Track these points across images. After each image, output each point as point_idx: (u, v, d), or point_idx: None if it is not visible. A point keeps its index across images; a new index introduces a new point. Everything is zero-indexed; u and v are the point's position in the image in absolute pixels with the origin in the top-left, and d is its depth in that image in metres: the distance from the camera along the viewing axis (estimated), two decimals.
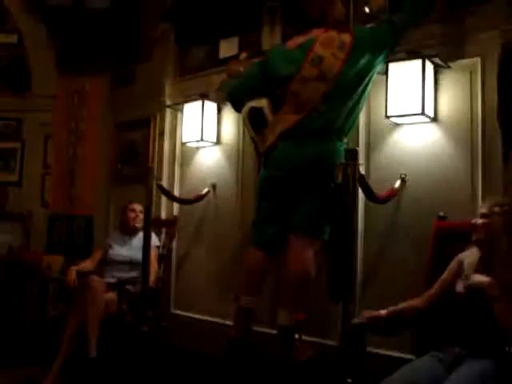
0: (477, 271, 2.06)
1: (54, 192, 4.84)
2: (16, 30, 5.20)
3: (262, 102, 2.90)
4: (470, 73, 2.79)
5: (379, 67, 2.83)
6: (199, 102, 3.89)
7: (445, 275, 2.22)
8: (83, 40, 4.86)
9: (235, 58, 3.72)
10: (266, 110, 2.88)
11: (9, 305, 4.35)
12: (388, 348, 2.82)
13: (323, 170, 2.73)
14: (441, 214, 2.62)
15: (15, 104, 5.20)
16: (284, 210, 2.83)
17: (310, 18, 2.96)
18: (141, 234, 3.73)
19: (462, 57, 2.81)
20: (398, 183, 2.94)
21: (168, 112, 4.37)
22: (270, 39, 3.70)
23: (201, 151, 4.13)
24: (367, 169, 3.10)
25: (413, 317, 2.23)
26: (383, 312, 2.18)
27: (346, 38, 2.77)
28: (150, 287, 3.50)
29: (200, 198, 3.93)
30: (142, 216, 3.84)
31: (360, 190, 2.59)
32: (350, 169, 2.41)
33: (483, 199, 2.50)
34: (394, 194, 2.91)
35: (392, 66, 2.87)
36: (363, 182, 2.55)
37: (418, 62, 2.79)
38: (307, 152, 2.74)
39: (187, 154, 4.25)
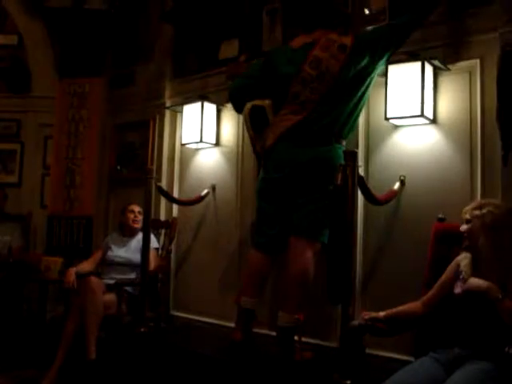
0: (473, 275, 2.07)
1: (53, 193, 4.84)
2: (16, 32, 5.20)
3: (265, 102, 2.91)
4: (469, 75, 2.79)
5: (380, 69, 2.83)
6: (199, 104, 3.89)
7: (443, 278, 2.22)
8: (83, 41, 4.86)
9: (235, 59, 3.72)
10: (268, 110, 2.89)
11: (8, 306, 4.34)
12: (387, 350, 2.82)
13: (322, 172, 2.73)
14: (440, 215, 2.62)
15: (15, 105, 5.20)
16: (284, 211, 2.84)
17: (311, 20, 2.95)
18: (139, 236, 3.73)
19: (461, 59, 2.81)
20: (397, 185, 2.94)
21: (167, 113, 4.38)
22: (270, 41, 3.70)
23: (200, 152, 4.13)
24: (366, 170, 3.10)
25: (411, 320, 2.24)
26: (381, 314, 2.19)
27: (347, 40, 2.77)
28: (151, 273, 3.51)
29: (199, 199, 3.93)
30: (140, 217, 3.85)
31: (359, 192, 2.59)
32: (350, 170, 2.41)
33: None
34: (393, 195, 2.91)
35: (391, 68, 2.87)
36: (362, 183, 2.55)
37: (417, 64, 2.79)
38: (306, 154, 2.75)
39: (186, 156, 4.25)
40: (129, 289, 3.57)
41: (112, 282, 3.54)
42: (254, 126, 2.92)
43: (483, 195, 2.63)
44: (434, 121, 2.88)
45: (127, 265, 3.72)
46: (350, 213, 2.40)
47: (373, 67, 2.78)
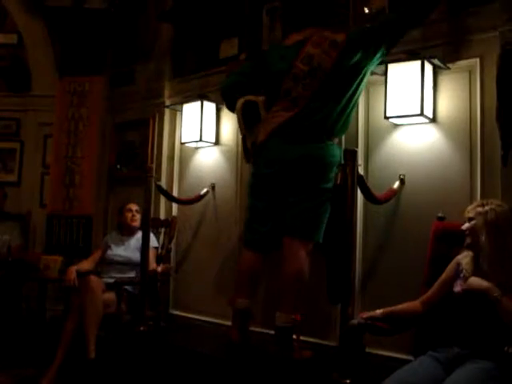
0: (473, 274, 2.07)
1: (52, 192, 4.84)
2: (16, 30, 5.21)
3: (258, 98, 2.91)
4: (469, 74, 2.79)
5: (373, 67, 2.83)
6: (198, 103, 3.89)
7: (443, 277, 2.23)
8: (83, 40, 4.86)
9: (235, 58, 3.72)
10: (261, 105, 2.88)
11: (7, 305, 4.35)
12: (387, 349, 2.82)
13: (312, 169, 2.72)
14: (440, 214, 2.62)
15: (15, 104, 5.20)
16: (275, 208, 2.82)
17: (311, 18, 2.95)
18: (139, 235, 3.74)
19: (461, 58, 2.81)
20: (396, 184, 2.94)
21: (167, 112, 4.38)
22: (270, 40, 3.70)
23: (200, 151, 4.13)
24: (366, 169, 3.10)
25: (410, 318, 2.24)
26: (379, 312, 2.20)
27: (340, 36, 2.77)
28: (151, 272, 3.52)
29: (199, 198, 3.93)
30: (138, 215, 3.85)
31: (359, 191, 2.59)
32: (349, 169, 2.41)
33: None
34: (392, 194, 2.91)
35: (391, 67, 2.87)
36: (362, 182, 2.55)
37: (417, 63, 2.79)
38: (296, 150, 2.74)
39: (186, 155, 4.25)
40: (128, 288, 3.57)
41: (111, 280, 3.54)
42: (246, 121, 2.91)
43: (483, 194, 2.63)
44: (433, 120, 2.88)
45: (127, 264, 3.72)
46: (349, 212, 2.41)
47: (365, 63, 2.76)
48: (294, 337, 2.78)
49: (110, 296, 3.43)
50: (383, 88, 2.91)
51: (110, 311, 3.39)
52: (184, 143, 4.13)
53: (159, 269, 3.63)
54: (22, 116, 5.23)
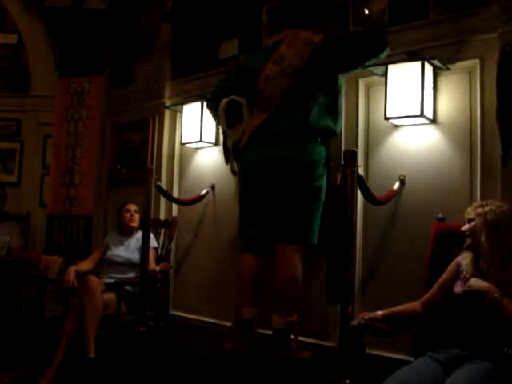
0: (473, 274, 2.07)
1: (52, 192, 4.84)
2: (15, 31, 5.21)
3: (243, 99, 2.90)
4: (469, 75, 2.79)
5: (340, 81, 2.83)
6: (198, 103, 3.89)
7: (442, 278, 2.23)
8: (82, 40, 4.86)
9: (235, 59, 3.72)
10: (244, 105, 2.87)
11: (7, 305, 4.34)
12: (387, 349, 2.82)
13: (292, 169, 2.71)
14: (439, 215, 2.62)
15: (14, 104, 5.20)
16: (266, 210, 2.80)
17: (310, 19, 2.96)
18: (138, 235, 3.74)
19: (461, 59, 2.81)
20: (396, 185, 2.95)
21: (167, 113, 4.38)
22: (269, 41, 3.70)
23: (200, 152, 4.13)
24: (366, 170, 3.10)
25: (410, 319, 2.24)
26: (379, 313, 2.20)
27: (317, 38, 2.76)
28: (150, 272, 3.53)
29: (199, 198, 3.93)
30: (137, 215, 3.85)
31: (359, 192, 2.59)
32: (349, 170, 2.41)
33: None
34: (392, 195, 2.91)
35: (391, 68, 2.88)
36: (362, 183, 2.55)
37: (417, 64, 2.79)
38: (274, 151, 2.74)
39: (186, 155, 4.26)
40: (128, 288, 3.57)
41: (111, 281, 3.54)
42: (229, 120, 2.90)
43: (483, 195, 2.63)
44: (433, 121, 2.88)
45: (126, 264, 3.72)
46: (349, 212, 2.41)
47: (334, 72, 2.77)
48: (292, 338, 2.78)
49: (110, 296, 3.43)
50: (383, 89, 2.92)
51: (109, 312, 3.39)
52: (184, 144, 4.13)
53: (157, 268, 3.63)
54: (21, 116, 5.23)
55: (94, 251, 4.06)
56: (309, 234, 2.72)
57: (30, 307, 4.49)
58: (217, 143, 3.98)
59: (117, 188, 4.77)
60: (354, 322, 2.23)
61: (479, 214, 2.10)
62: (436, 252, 2.46)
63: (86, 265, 3.78)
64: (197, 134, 3.88)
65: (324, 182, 2.75)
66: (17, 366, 3.62)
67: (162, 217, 4.22)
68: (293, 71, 2.72)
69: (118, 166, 4.76)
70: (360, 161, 3.05)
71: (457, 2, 2.85)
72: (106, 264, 3.80)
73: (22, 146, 5.23)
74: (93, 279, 3.40)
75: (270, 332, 2.78)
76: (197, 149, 4.13)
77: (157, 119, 4.43)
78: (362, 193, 2.63)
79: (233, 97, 2.89)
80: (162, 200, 4.19)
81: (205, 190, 3.95)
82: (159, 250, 3.91)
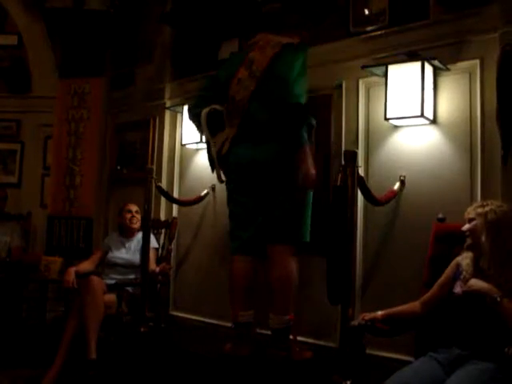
0: (474, 275, 2.07)
1: (53, 193, 4.84)
2: (16, 32, 5.21)
3: (223, 107, 2.92)
4: (469, 75, 2.79)
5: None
6: None
7: (442, 278, 2.23)
8: (83, 41, 4.86)
9: None
10: (225, 113, 2.89)
11: (8, 306, 4.34)
12: (387, 350, 2.82)
13: (267, 171, 2.73)
14: (440, 215, 2.63)
15: (15, 105, 5.20)
16: (253, 211, 2.82)
17: (310, 20, 2.96)
18: (139, 236, 3.74)
19: (461, 59, 2.81)
20: (397, 185, 2.95)
21: (167, 113, 4.38)
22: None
23: (200, 153, 4.13)
24: (366, 171, 3.11)
25: (410, 319, 2.25)
26: (379, 313, 2.20)
27: (287, 39, 2.76)
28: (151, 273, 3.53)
29: (199, 199, 3.93)
30: (138, 216, 3.85)
31: (359, 192, 2.59)
32: (349, 171, 2.41)
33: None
34: (392, 195, 2.92)
35: (391, 69, 2.88)
36: (362, 183, 2.55)
37: (417, 65, 2.80)
38: (249, 154, 2.77)
39: (186, 156, 4.26)
40: (129, 289, 3.56)
41: (112, 282, 3.54)
42: (211, 129, 2.90)
43: (483, 195, 2.63)
44: (433, 121, 2.88)
45: (128, 266, 3.72)
46: (349, 213, 2.41)
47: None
48: (291, 337, 2.79)
49: (111, 297, 3.42)
50: (383, 89, 2.92)
51: (110, 312, 3.39)
52: (184, 144, 4.14)
53: (157, 269, 3.62)
54: (22, 117, 5.23)
55: (94, 252, 4.06)
56: (299, 232, 2.75)
57: (30, 308, 4.49)
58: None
59: (117, 189, 4.77)
60: (355, 323, 2.23)
61: (479, 214, 2.10)
62: (436, 252, 2.46)
63: (86, 265, 3.77)
64: (197, 135, 3.88)
65: None
66: (18, 367, 3.62)
67: (163, 217, 4.22)
68: (258, 73, 2.75)
69: (119, 167, 4.76)
70: (360, 161, 3.05)
71: (457, 3, 2.85)
72: (106, 265, 3.80)
73: (22, 147, 5.22)
74: (95, 280, 3.40)
75: (269, 332, 2.79)
76: (197, 149, 4.13)
77: (157, 120, 4.44)
78: (363, 193, 2.63)
79: (214, 106, 2.91)
80: (163, 200, 4.19)
81: (205, 191, 3.95)
82: (159, 251, 3.91)
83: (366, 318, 2.20)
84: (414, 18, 3.00)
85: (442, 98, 2.88)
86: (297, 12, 3.13)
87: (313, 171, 2.67)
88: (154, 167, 4.23)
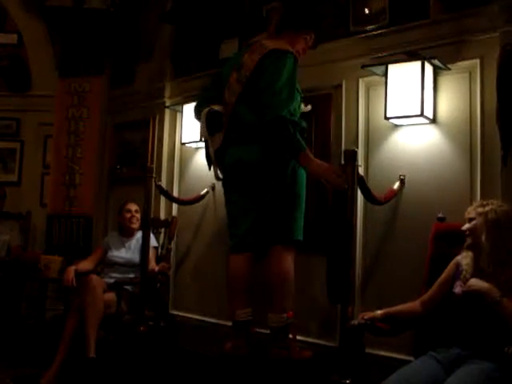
0: (473, 274, 2.07)
1: (52, 192, 4.84)
2: (16, 30, 5.20)
3: (223, 107, 2.92)
4: (469, 74, 2.79)
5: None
6: None
7: (442, 278, 2.23)
8: (83, 40, 4.86)
9: None
10: (224, 114, 2.90)
11: (7, 305, 4.34)
12: (387, 349, 2.82)
13: (253, 171, 2.75)
14: (440, 215, 2.63)
15: (15, 104, 5.19)
16: (246, 209, 2.82)
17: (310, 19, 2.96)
18: (139, 235, 3.74)
19: (461, 58, 2.81)
20: (396, 184, 2.95)
21: (167, 112, 4.38)
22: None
23: (200, 152, 4.13)
24: (366, 170, 3.11)
25: (409, 319, 2.25)
26: (379, 312, 2.20)
27: (273, 45, 2.75)
28: (151, 272, 3.53)
29: (199, 198, 3.93)
30: (137, 216, 3.84)
31: (359, 192, 2.59)
32: (349, 170, 2.41)
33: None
34: (392, 195, 2.91)
35: (391, 68, 2.88)
36: (362, 183, 2.55)
37: (417, 64, 2.79)
38: (236, 154, 2.79)
39: (186, 155, 4.26)
40: (128, 288, 3.56)
41: (112, 281, 3.54)
42: (210, 129, 2.92)
43: (483, 195, 2.63)
44: (433, 120, 2.88)
45: (127, 265, 3.72)
46: (349, 212, 2.40)
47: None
48: (291, 336, 2.79)
49: (111, 296, 3.43)
50: (383, 89, 2.92)
51: (110, 311, 3.39)
52: (184, 143, 4.14)
53: (156, 268, 3.63)
54: (22, 116, 5.22)
55: (94, 251, 4.06)
56: (290, 231, 2.75)
57: (30, 307, 4.49)
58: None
59: (117, 188, 4.77)
60: (354, 322, 2.23)
61: (480, 214, 2.10)
62: (436, 252, 2.47)
63: (85, 264, 3.77)
64: (197, 134, 3.87)
65: (297, 176, 2.76)
66: (18, 366, 3.62)
67: (162, 216, 4.22)
68: (245, 79, 2.76)
69: (119, 166, 4.76)
70: (360, 161, 3.05)
71: (457, 2, 2.85)
72: (106, 264, 3.80)
73: (22, 146, 5.22)
74: (94, 278, 3.40)
75: (268, 331, 2.79)
76: (197, 148, 4.13)
77: (157, 119, 4.44)
78: (362, 192, 2.63)
79: (212, 106, 2.92)
80: (162, 199, 4.19)
81: (205, 190, 3.95)
82: (159, 250, 3.91)
83: (366, 317, 2.20)
84: (414, 17, 3.00)
85: (441, 98, 2.88)
86: (297, 11, 3.11)
87: (325, 165, 2.63)
88: (154, 166, 4.23)
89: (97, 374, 3.13)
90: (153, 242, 3.77)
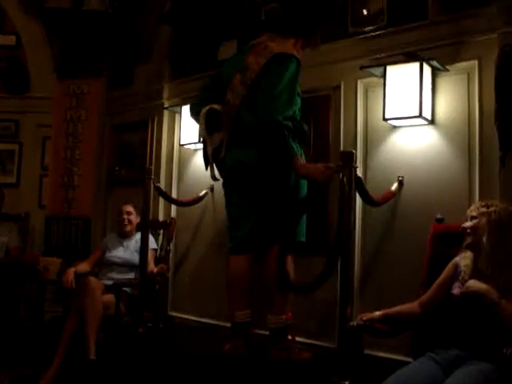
0: (472, 275, 2.07)
1: (51, 193, 4.84)
2: (14, 32, 5.20)
3: (222, 107, 2.92)
4: (468, 75, 2.79)
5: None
6: None
7: (440, 279, 2.23)
8: (81, 42, 4.86)
9: None
10: (223, 114, 2.90)
11: (6, 306, 4.34)
12: (385, 350, 2.82)
13: (250, 173, 2.76)
14: (438, 216, 2.63)
15: (13, 105, 5.19)
16: (247, 211, 2.83)
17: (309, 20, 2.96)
18: (138, 236, 3.73)
19: (460, 60, 2.81)
20: (394, 185, 2.95)
21: (166, 114, 4.38)
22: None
23: (199, 153, 4.12)
24: (365, 171, 3.11)
25: (408, 320, 2.25)
26: (377, 313, 2.20)
27: (279, 48, 2.75)
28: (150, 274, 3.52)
29: (198, 199, 3.93)
30: (131, 217, 3.83)
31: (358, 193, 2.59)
32: (346, 171, 2.40)
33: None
34: (390, 196, 2.91)
35: (390, 69, 2.88)
36: (360, 184, 2.55)
37: (415, 65, 2.80)
38: (237, 156, 2.80)
39: (185, 156, 4.25)
40: (127, 289, 3.56)
41: (110, 282, 3.53)
42: (209, 128, 2.92)
43: (481, 196, 2.63)
44: (432, 121, 2.88)
45: (125, 265, 3.71)
46: (347, 213, 2.40)
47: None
48: (290, 338, 2.79)
49: (109, 298, 3.42)
50: (382, 90, 2.92)
51: (108, 313, 3.39)
52: (183, 145, 4.14)
53: (155, 270, 3.62)
54: (20, 118, 5.22)
55: (93, 253, 4.05)
56: (292, 233, 2.75)
57: (28, 308, 4.48)
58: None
59: (116, 189, 4.77)
60: (353, 323, 2.23)
61: (483, 214, 2.09)
62: (435, 253, 2.46)
63: (84, 266, 3.77)
64: (195, 135, 3.88)
65: (300, 178, 2.76)
66: (16, 368, 3.62)
67: (161, 218, 4.22)
68: (250, 80, 2.76)
69: (117, 168, 4.76)
70: (358, 162, 3.05)
71: (455, 3, 2.85)
72: (104, 265, 3.80)
73: (20, 147, 5.21)
74: (93, 280, 3.40)
75: (267, 332, 2.79)
76: (196, 150, 4.13)
77: (156, 120, 4.44)
78: (360, 194, 2.62)
79: (212, 105, 2.92)
80: (161, 201, 4.19)
81: (204, 191, 3.95)
82: (158, 251, 3.91)
83: (365, 318, 2.20)
84: (412, 18, 3.00)
85: (440, 99, 2.88)
86: (295, 12, 3.11)
87: (315, 166, 2.67)
88: (153, 167, 4.22)
89: (96, 376, 3.12)
90: (152, 243, 3.76)
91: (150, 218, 3.65)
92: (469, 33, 2.78)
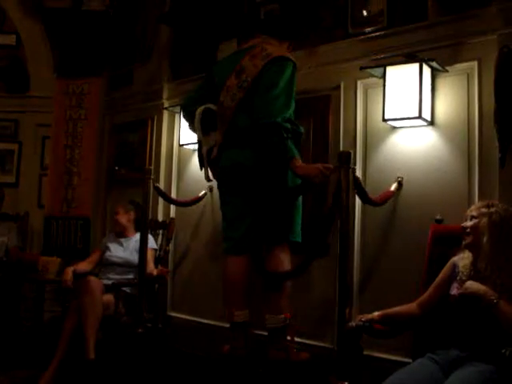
0: (470, 276, 2.07)
1: (50, 193, 4.84)
2: (14, 31, 5.20)
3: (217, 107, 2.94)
4: (467, 76, 2.79)
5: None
6: None
7: (439, 279, 2.23)
8: (81, 41, 4.86)
9: None
10: (217, 115, 2.91)
11: (5, 306, 4.33)
12: (385, 351, 2.82)
13: (245, 174, 2.76)
14: (437, 217, 2.63)
15: (13, 105, 5.19)
16: (243, 211, 2.83)
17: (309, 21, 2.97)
18: (137, 236, 3.73)
19: (460, 60, 2.81)
20: (393, 186, 2.95)
21: (165, 114, 4.38)
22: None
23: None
24: (364, 172, 3.11)
25: (407, 320, 2.25)
26: (376, 314, 2.21)
27: (275, 51, 2.76)
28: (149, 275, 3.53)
29: (197, 200, 3.93)
30: (120, 218, 3.83)
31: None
32: (344, 171, 2.40)
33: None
34: (389, 196, 2.91)
35: (389, 70, 2.88)
36: (358, 184, 2.55)
37: (415, 66, 2.80)
38: (232, 157, 2.81)
39: (184, 156, 4.25)
40: (126, 289, 3.56)
41: (110, 282, 3.53)
42: (204, 128, 2.93)
43: (481, 197, 2.63)
44: (431, 122, 2.88)
45: (125, 265, 3.71)
46: (345, 213, 2.40)
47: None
48: (289, 338, 2.79)
49: (109, 298, 3.42)
50: (381, 90, 2.92)
51: (108, 313, 3.39)
52: (182, 145, 4.13)
53: (155, 272, 3.62)
54: (20, 117, 5.23)
55: (92, 252, 4.05)
56: (289, 233, 2.78)
57: (28, 308, 4.48)
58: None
59: (115, 189, 4.77)
60: (352, 324, 2.23)
61: (484, 214, 2.09)
62: (434, 254, 2.47)
63: (84, 266, 3.77)
64: (194, 136, 3.87)
65: (296, 179, 2.76)
66: (15, 368, 3.61)
67: (160, 218, 4.22)
68: (247, 83, 2.77)
69: (117, 167, 4.76)
70: (358, 162, 3.07)
71: (455, 4, 2.85)
72: (104, 265, 3.79)
73: (20, 147, 5.22)
74: (93, 280, 3.40)
75: (266, 333, 2.79)
76: (195, 150, 4.12)
77: (155, 120, 4.44)
78: (358, 194, 2.63)
79: (208, 105, 2.93)
80: (160, 201, 4.19)
81: (203, 192, 3.94)
82: (157, 252, 3.91)
83: (364, 318, 2.20)
84: (412, 19, 3.00)
85: (439, 100, 2.88)
86: (295, 12, 3.12)
87: (314, 166, 2.70)
88: (152, 168, 4.22)
89: (95, 376, 3.12)
90: (152, 243, 3.76)
91: (150, 218, 3.65)
92: (468, 34, 2.78)
